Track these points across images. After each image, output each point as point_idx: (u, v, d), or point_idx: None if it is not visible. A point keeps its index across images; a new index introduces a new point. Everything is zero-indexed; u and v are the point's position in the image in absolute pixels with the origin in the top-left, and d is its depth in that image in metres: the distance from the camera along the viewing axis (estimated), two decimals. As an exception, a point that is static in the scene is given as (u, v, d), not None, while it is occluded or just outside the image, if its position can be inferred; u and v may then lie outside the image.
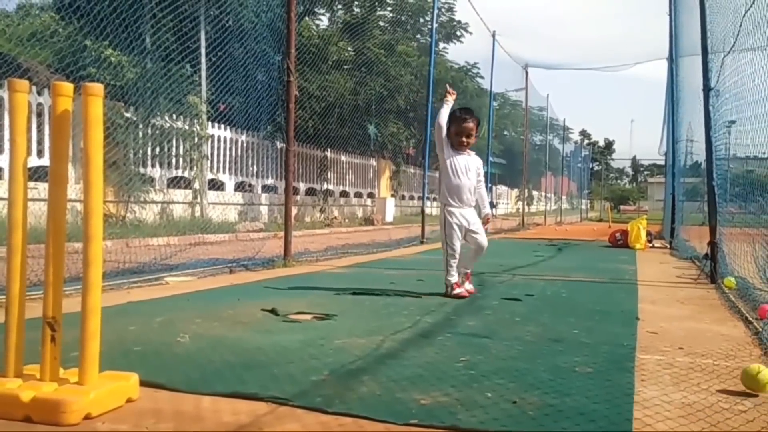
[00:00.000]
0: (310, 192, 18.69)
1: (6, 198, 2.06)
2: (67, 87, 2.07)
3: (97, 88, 2.04)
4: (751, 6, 4.43)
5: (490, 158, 18.01)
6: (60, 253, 2.06)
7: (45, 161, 9.42)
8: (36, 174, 8.34)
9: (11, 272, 2.02)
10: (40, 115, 10.16)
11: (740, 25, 4.82)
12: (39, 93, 9.99)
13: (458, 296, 4.49)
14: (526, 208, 22.33)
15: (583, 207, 40.97)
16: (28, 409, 1.88)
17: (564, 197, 37.94)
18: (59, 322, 2.02)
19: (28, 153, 2.10)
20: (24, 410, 1.88)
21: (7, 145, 9.50)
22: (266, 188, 16.69)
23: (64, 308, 2.06)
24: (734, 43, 5.15)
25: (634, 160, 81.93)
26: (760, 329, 3.37)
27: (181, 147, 12.67)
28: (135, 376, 2.10)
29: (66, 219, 2.11)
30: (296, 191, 17.22)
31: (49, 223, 2.05)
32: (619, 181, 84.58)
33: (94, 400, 1.91)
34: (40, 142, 10.13)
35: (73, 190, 8.53)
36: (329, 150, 18.99)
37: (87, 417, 1.89)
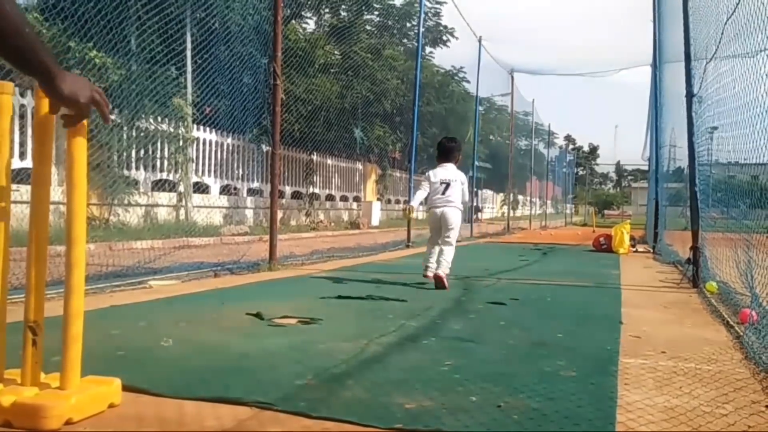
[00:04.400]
0: (295, 195, 18.65)
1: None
2: None
3: None
4: (732, 14, 4.48)
5: (476, 162, 18.07)
6: (42, 256, 2.03)
7: (27, 163, 9.33)
8: (18, 176, 8.24)
9: None
10: (22, 116, 10.05)
11: (722, 33, 4.87)
12: (22, 95, 9.89)
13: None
14: (511, 212, 22.42)
15: (568, 211, 41.22)
16: (8, 414, 1.86)
17: (549, 202, 38.18)
18: (41, 326, 2.00)
19: (10, 155, 2.08)
20: (4, 415, 1.86)
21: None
22: (252, 191, 16.64)
23: (45, 312, 2.04)
24: (716, 50, 5.21)
25: (618, 165, 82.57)
26: (742, 333, 3.41)
27: (166, 150, 12.59)
28: (117, 381, 2.08)
29: (49, 222, 2.09)
30: (282, 194, 17.18)
31: (32, 225, 2.02)
32: (603, 186, 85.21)
33: (75, 405, 1.89)
34: (22, 144, 10.02)
35: (56, 193, 8.44)
36: (315, 153, 18.97)
37: (68, 422, 1.87)
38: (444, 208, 5.40)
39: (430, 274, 5.31)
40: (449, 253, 5.37)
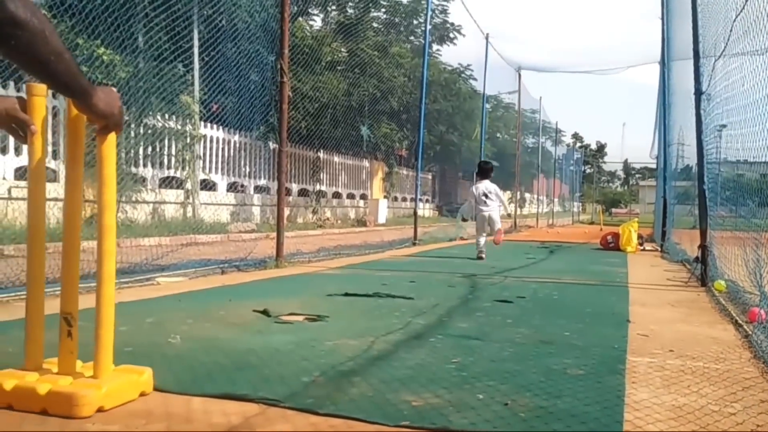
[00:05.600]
0: (302, 193, 18.67)
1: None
2: None
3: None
4: (741, 11, 4.46)
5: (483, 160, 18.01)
6: (75, 251, 2.12)
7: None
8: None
9: (32, 269, 2.08)
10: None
11: (731, 30, 4.85)
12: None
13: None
14: (518, 210, 22.38)
15: (575, 210, 41.09)
16: (44, 402, 1.93)
17: (556, 200, 38.06)
18: (75, 317, 2.08)
19: (44, 155, 2.13)
20: (41, 403, 1.93)
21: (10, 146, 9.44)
22: (258, 189, 16.66)
23: (80, 305, 2.11)
24: (725, 47, 5.18)
25: (625, 163, 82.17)
26: (750, 332, 3.39)
27: (174, 147, 12.61)
28: (149, 371, 2.15)
29: (80, 218, 2.17)
30: (289, 192, 17.19)
31: (66, 221, 2.12)
32: (610, 184, 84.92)
33: (106, 394, 1.96)
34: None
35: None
36: (322, 151, 18.97)
37: (100, 410, 1.94)
38: (490, 212, 8.26)
39: (483, 257, 7.86)
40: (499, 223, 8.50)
